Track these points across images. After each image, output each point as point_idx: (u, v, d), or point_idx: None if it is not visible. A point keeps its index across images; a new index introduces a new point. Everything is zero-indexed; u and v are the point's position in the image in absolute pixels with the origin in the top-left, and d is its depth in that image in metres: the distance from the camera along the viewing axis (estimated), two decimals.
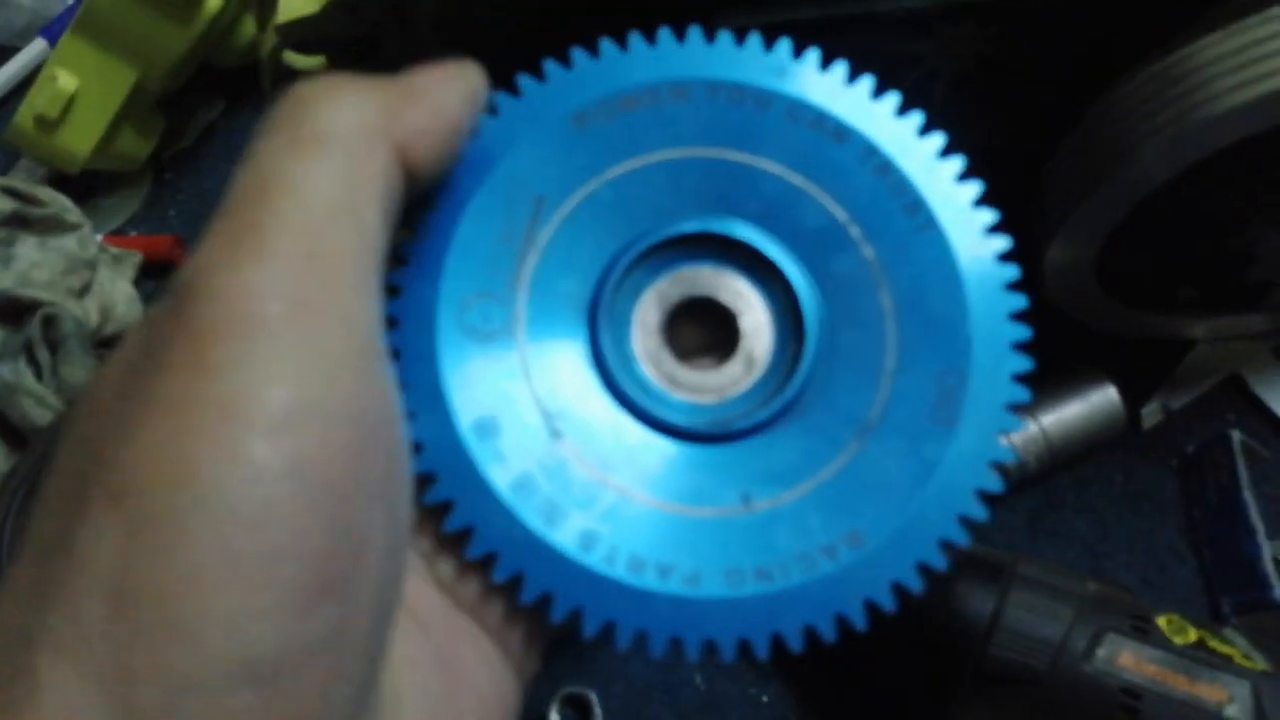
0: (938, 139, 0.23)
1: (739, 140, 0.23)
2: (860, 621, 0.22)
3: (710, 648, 0.22)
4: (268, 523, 0.16)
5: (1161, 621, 0.38)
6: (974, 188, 0.23)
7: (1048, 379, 0.47)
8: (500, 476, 0.22)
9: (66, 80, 0.51)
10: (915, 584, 0.22)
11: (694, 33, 0.24)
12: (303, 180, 0.18)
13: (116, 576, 0.16)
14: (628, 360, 0.24)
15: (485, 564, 0.22)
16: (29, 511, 0.47)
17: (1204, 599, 0.45)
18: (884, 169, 0.23)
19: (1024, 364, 0.23)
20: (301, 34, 0.40)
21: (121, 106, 0.53)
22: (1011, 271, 0.23)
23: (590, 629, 0.22)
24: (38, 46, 0.61)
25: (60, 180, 0.57)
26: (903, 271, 0.23)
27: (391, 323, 0.22)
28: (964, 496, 0.22)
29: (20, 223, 0.50)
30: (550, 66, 0.24)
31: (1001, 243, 0.23)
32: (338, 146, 0.19)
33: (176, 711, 0.15)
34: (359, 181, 0.19)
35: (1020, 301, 0.23)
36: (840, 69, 0.24)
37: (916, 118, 0.24)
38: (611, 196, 0.23)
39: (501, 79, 0.42)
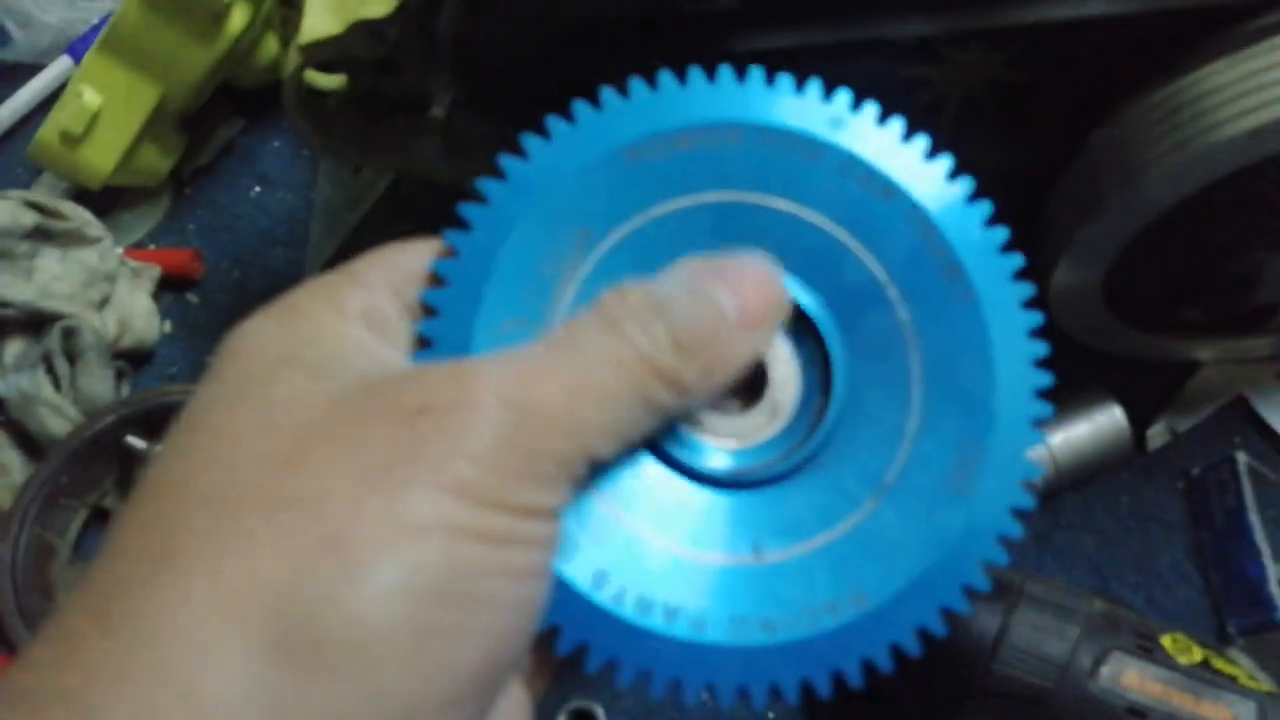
0: (985, 207, 0.23)
1: (787, 188, 0.23)
2: (856, 679, 0.22)
3: (709, 693, 0.22)
4: (464, 615, 0.17)
5: (1166, 641, 0.38)
6: (1016, 259, 0.23)
7: (1055, 400, 0.47)
8: None
9: (91, 97, 0.52)
10: (914, 647, 0.22)
11: (754, 74, 0.24)
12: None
13: (295, 604, 0.16)
14: None
15: None
16: (46, 520, 0.47)
17: (1210, 620, 0.45)
18: (928, 232, 0.23)
19: (1039, 439, 0.23)
20: (324, 55, 0.41)
21: (144, 124, 0.54)
22: (1041, 348, 0.23)
23: (594, 665, 0.22)
24: (63, 64, 0.63)
25: (82, 194, 0.58)
26: (935, 337, 0.23)
27: (423, 343, 0.22)
28: (970, 567, 0.22)
29: (43, 236, 0.51)
30: (607, 96, 0.23)
31: (1036, 318, 0.23)
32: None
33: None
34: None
35: (1046, 380, 0.23)
36: (897, 125, 0.24)
37: (966, 183, 0.23)
38: (655, 234, 0.23)
39: (517, 104, 0.43)
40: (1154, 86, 0.37)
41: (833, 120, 0.23)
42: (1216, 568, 0.45)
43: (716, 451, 0.24)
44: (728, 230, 0.23)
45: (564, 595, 0.22)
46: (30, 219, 0.50)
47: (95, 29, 0.62)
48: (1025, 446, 0.23)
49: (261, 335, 0.21)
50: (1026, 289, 0.23)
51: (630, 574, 0.22)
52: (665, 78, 0.23)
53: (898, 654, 0.22)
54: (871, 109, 0.24)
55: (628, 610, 0.22)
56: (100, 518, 0.52)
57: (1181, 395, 0.49)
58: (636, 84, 0.23)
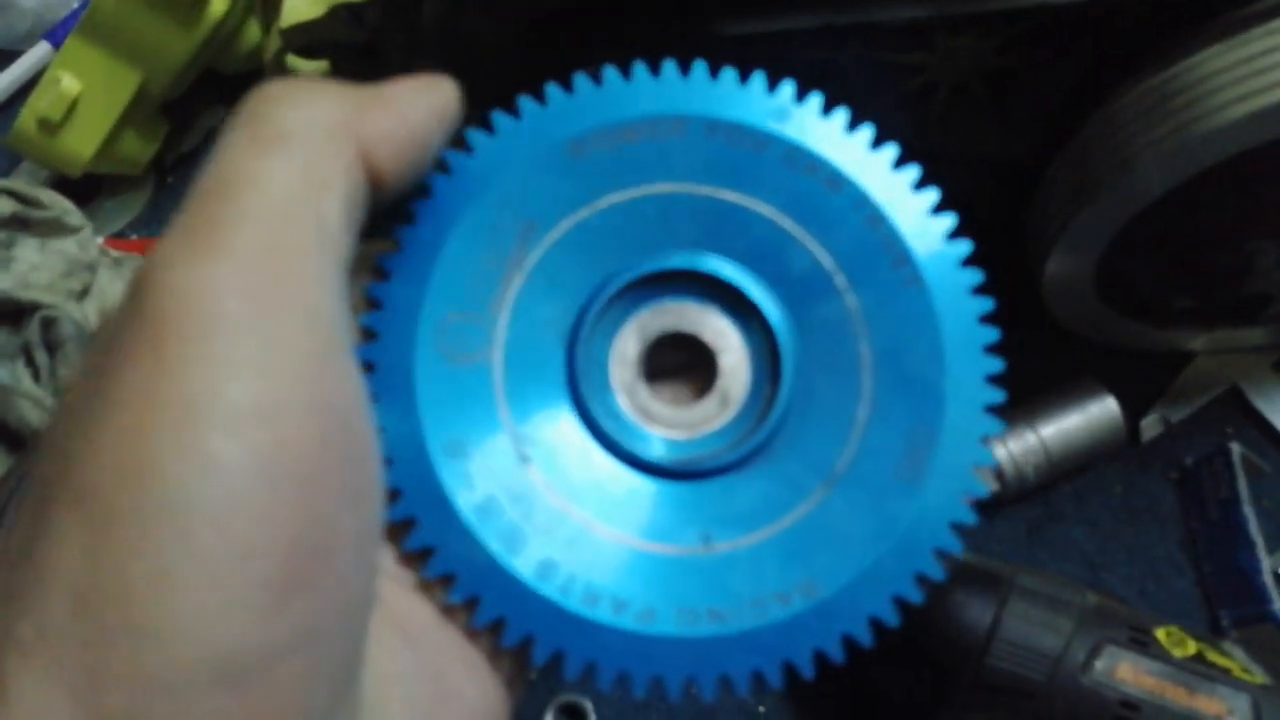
0: (932, 194, 0.23)
1: (733, 180, 0.23)
2: (808, 670, 0.22)
3: (658, 684, 0.22)
4: (232, 519, 0.16)
5: (1160, 634, 0.38)
6: (963, 246, 0.23)
7: (1048, 391, 0.47)
8: (465, 498, 0.22)
9: (70, 83, 0.51)
10: (866, 637, 0.22)
11: (698, 68, 0.24)
12: (263, 176, 0.18)
13: (80, 579, 0.16)
14: (603, 390, 0.24)
15: (443, 584, 0.22)
16: None
17: (1203, 612, 0.45)
18: (875, 220, 0.23)
19: (995, 427, 0.23)
20: (305, 39, 0.41)
21: (125, 110, 0.53)
22: (992, 334, 0.23)
23: (540, 657, 0.22)
24: (41, 50, 0.62)
25: (63, 183, 0.57)
26: (884, 324, 0.23)
27: (369, 335, 0.22)
28: (922, 555, 0.22)
29: (21, 225, 0.50)
30: (552, 90, 0.23)
31: (986, 304, 0.23)
32: (300, 144, 0.18)
33: (147, 714, 0.15)
34: (320, 178, 0.19)
35: (997, 365, 0.23)
36: (841, 116, 0.24)
37: (913, 171, 0.23)
38: (601, 226, 0.23)
39: (500, 89, 0.42)
40: (1147, 72, 0.37)
41: (777, 111, 0.23)
42: (1210, 559, 0.45)
43: (665, 441, 0.24)
44: (674, 221, 0.23)
45: (510, 587, 0.22)
46: (7, 207, 0.49)
47: (74, 14, 0.62)
48: (979, 433, 0.22)
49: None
50: (975, 275, 0.23)
51: (577, 565, 0.22)
52: (609, 72, 0.23)
53: (851, 645, 0.22)
54: (816, 99, 0.24)
55: (575, 601, 0.22)
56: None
57: (1175, 386, 0.48)
58: (580, 78, 0.23)
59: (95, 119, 0.53)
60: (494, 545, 0.22)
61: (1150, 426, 0.48)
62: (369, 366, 0.22)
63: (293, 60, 0.44)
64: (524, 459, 0.23)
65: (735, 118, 0.23)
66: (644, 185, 0.23)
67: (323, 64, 0.45)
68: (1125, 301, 0.44)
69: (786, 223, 0.23)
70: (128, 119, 0.54)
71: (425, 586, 0.22)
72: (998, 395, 0.23)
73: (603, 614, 0.22)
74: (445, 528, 0.22)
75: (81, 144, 0.53)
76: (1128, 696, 0.36)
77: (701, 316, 0.24)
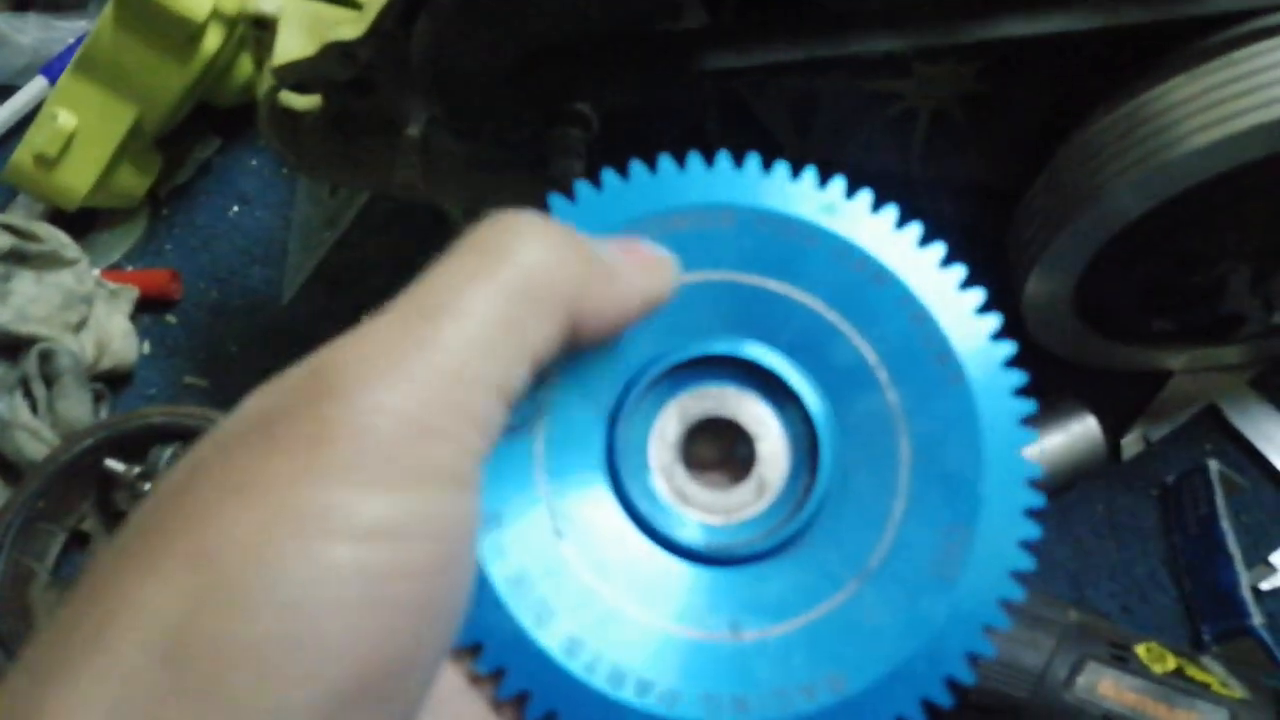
0: (978, 294, 0.23)
1: (781, 270, 0.24)
2: None
3: None
4: (328, 621, 0.16)
5: (1141, 650, 0.39)
6: (1008, 347, 0.23)
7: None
8: (498, 570, 0.22)
9: (66, 119, 0.52)
10: None
11: (751, 160, 0.24)
12: (470, 312, 0.19)
13: (174, 631, 0.16)
14: (641, 471, 0.24)
15: (472, 653, 0.22)
16: (24, 544, 0.47)
17: (1185, 626, 0.45)
18: (920, 317, 0.23)
19: (1033, 531, 0.22)
20: (297, 76, 0.41)
21: (120, 144, 0.54)
22: (1031, 436, 0.23)
23: None
24: (38, 85, 0.63)
25: (58, 216, 0.58)
26: (925, 421, 0.23)
27: None
28: (954, 658, 0.22)
29: (17, 258, 0.51)
30: (608, 176, 0.24)
31: (1028, 406, 0.23)
32: (515, 294, 0.19)
33: None
34: (523, 331, 0.19)
35: (1036, 469, 0.23)
36: (890, 213, 0.24)
37: (959, 270, 0.24)
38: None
39: (496, 119, 0.43)
40: (1118, 101, 0.38)
41: (826, 206, 0.24)
42: (1190, 574, 0.46)
43: (700, 526, 0.24)
44: (720, 309, 0.24)
45: (536, 660, 0.22)
46: (4, 241, 0.50)
47: (70, 49, 0.62)
48: (1016, 536, 0.22)
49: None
50: (1018, 376, 0.23)
51: (605, 644, 0.22)
52: (664, 160, 0.24)
53: None
54: (865, 196, 0.24)
55: (599, 680, 0.22)
56: (79, 541, 0.52)
57: (1155, 405, 0.49)
58: (636, 166, 0.24)
59: (91, 154, 0.54)
60: (523, 618, 0.22)
61: (1131, 445, 0.49)
62: None
63: (286, 95, 0.45)
64: (559, 534, 0.23)
65: (785, 210, 0.24)
66: (693, 272, 0.24)
67: (315, 99, 0.46)
68: (1104, 322, 0.45)
69: (832, 315, 0.24)
70: (123, 153, 0.55)
71: (454, 655, 0.22)
72: (1039, 499, 0.23)
73: (627, 695, 0.22)
74: (476, 596, 0.21)
75: (77, 178, 0.54)
76: (1109, 712, 0.37)
77: (742, 403, 0.24)
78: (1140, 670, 0.38)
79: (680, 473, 0.24)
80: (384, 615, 0.17)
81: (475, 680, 0.22)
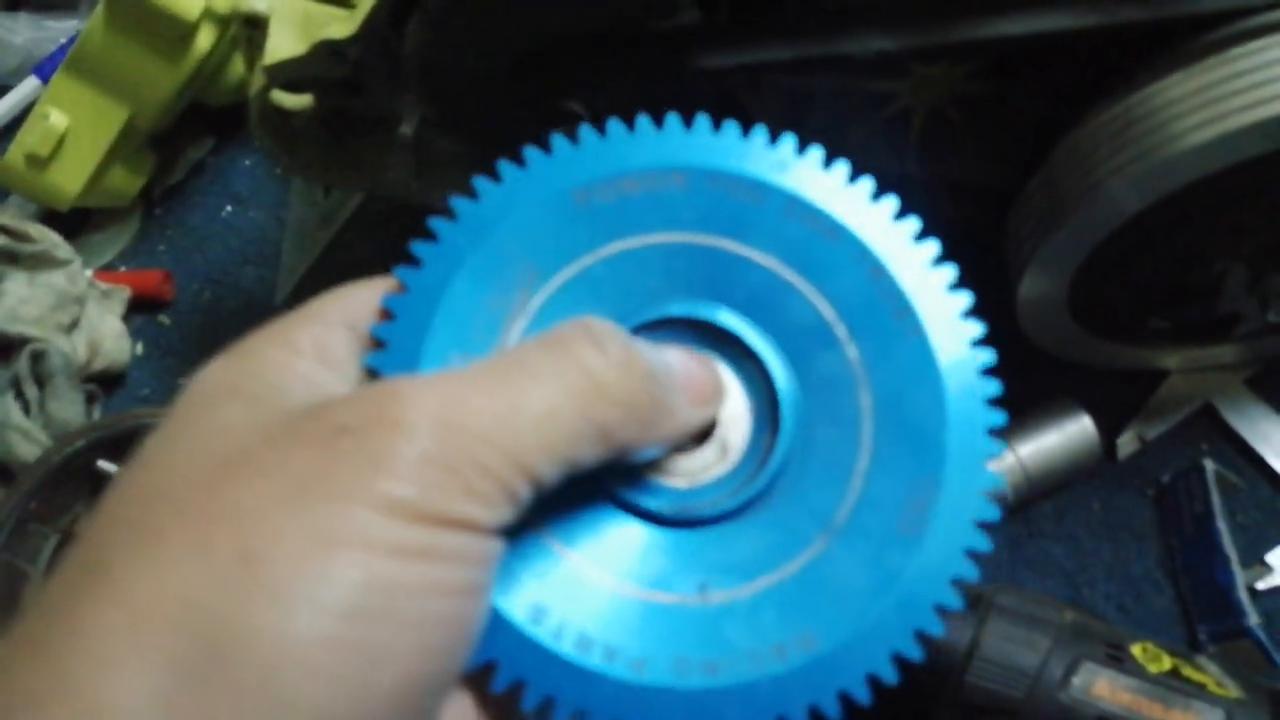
0: (932, 246, 0.24)
1: (734, 230, 0.23)
2: None
3: None
4: (378, 630, 0.17)
5: (1136, 650, 0.38)
6: (964, 298, 0.23)
7: (1024, 411, 0.47)
8: None
9: (58, 118, 0.52)
10: (863, 695, 0.21)
11: (701, 121, 0.24)
12: (537, 399, 0.20)
13: (223, 627, 0.16)
14: None
15: None
16: (15, 547, 0.47)
17: (1182, 626, 0.45)
18: (876, 271, 0.23)
19: (996, 481, 0.22)
20: (288, 75, 0.41)
21: (112, 144, 0.54)
22: (994, 387, 0.23)
23: (530, 702, 0.21)
24: (30, 85, 0.62)
25: (51, 216, 0.58)
26: (885, 375, 0.23)
27: (371, 375, 0.22)
28: (923, 611, 0.22)
29: (10, 259, 0.51)
30: (558, 141, 0.24)
31: (987, 356, 0.23)
32: (579, 405, 0.20)
33: None
34: (574, 442, 0.20)
35: (999, 419, 0.23)
36: (842, 168, 0.24)
37: (913, 223, 0.24)
38: (605, 273, 0.23)
39: (489, 118, 0.43)
40: (1113, 99, 0.38)
41: (778, 163, 0.24)
42: (1186, 574, 0.46)
43: (664, 489, 0.23)
44: (675, 270, 0.24)
45: (501, 629, 0.21)
46: None
47: (62, 49, 0.62)
48: (980, 486, 0.22)
49: (211, 372, 0.21)
50: (976, 327, 0.23)
51: (570, 610, 0.22)
52: (613, 124, 0.24)
53: (847, 701, 0.21)
54: (817, 152, 0.24)
55: (566, 647, 0.22)
56: (71, 542, 0.51)
57: (1150, 404, 0.49)
58: (586, 130, 0.24)
59: (83, 153, 0.53)
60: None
61: (1126, 444, 0.48)
62: None
63: (277, 95, 0.44)
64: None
65: (736, 169, 0.24)
66: (647, 235, 0.23)
67: (306, 98, 0.46)
68: (1099, 322, 0.45)
69: (788, 273, 0.23)
70: (115, 153, 0.55)
71: None
72: (999, 447, 0.23)
73: (594, 661, 0.21)
74: None
75: (69, 178, 0.54)
76: (1105, 712, 0.36)
77: None
78: (1136, 670, 0.37)
79: None
80: (425, 630, 0.18)
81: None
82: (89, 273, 0.55)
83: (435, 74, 0.41)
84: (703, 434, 0.24)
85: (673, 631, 0.22)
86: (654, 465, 0.24)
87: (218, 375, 0.21)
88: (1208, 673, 0.38)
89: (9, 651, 0.17)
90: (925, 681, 0.39)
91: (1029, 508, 0.48)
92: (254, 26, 0.41)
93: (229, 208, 0.61)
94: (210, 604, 0.16)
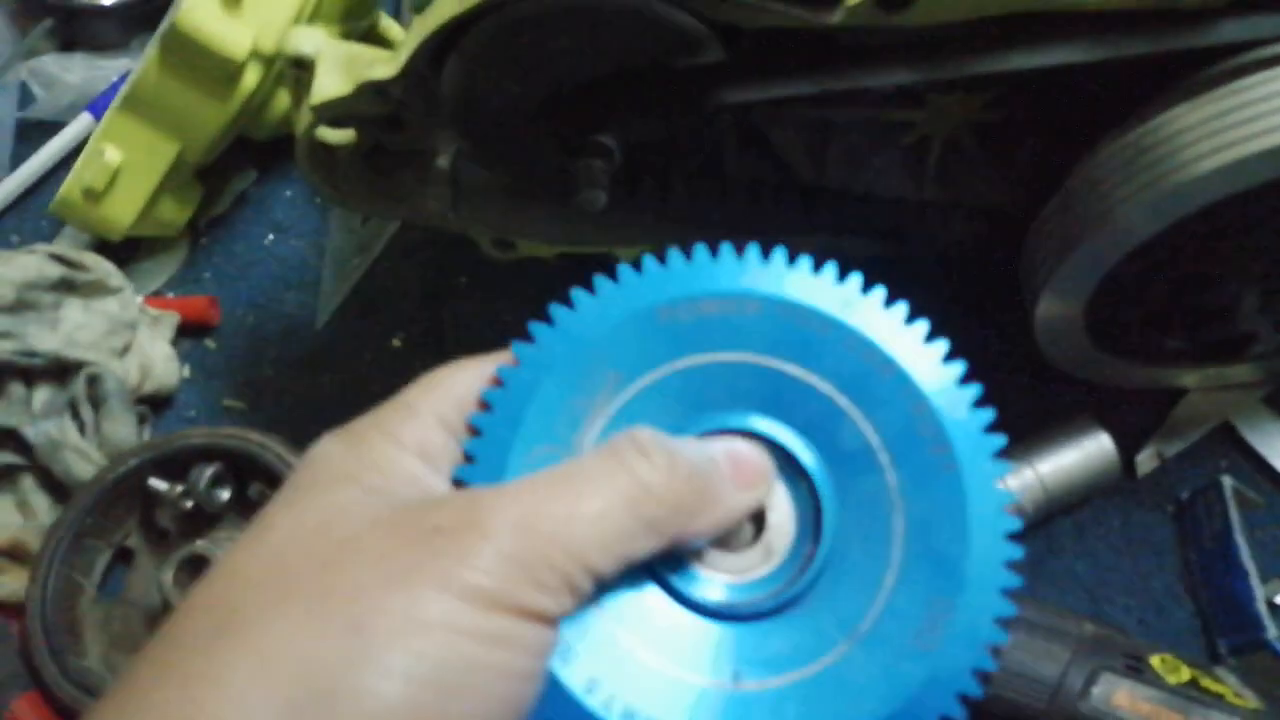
0: (975, 389, 0.26)
1: (798, 356, 0.26)
2: None
3: None
4: (454, 702, 0.20)
5: (1155, 661, 0.39)
6: (999, 440, 0.26)
7: (1044, 429, 0.49)
8: None
9: (113, 155, 0.55)
10: None
11: (778, 253, 0.27)
12: (596, 506, 0.23)
13: (327, 681, 0.20)
14: None
15: None
16: (73, 561, 0.49)
17: (1201, 640, 0.46)
18: (921, 408, 0.26)
19: (1008, 610, 0.25)
20: (333, 113, 0.43)
21: (162, 178, 0.56)
22: (1015, 523, 0.25)
23: None
24: (83, 121, 0.65)
25: (103, 245, 0.61)
26: (919, 502, 0.26)
27: (467, 459, 0.26)
28: (929, 718, 0.24)
29: (67, 287, 0.53)
30: (648, 261, 0.27)
31: (1010, 496, 0.26)
32: (635, 508, 0.23)
33: None
34: (630, 541, 0.23)
35: (1016, 552, 0.25)
36: (900, 310, 0.27)
37: (959, 367, 0.26)
38: (678, 383, 0.26)
39: (522, 152, 0.45)
40: (1124, 128, 0.39)
41: (843, 301, 0.26)
42: (1206, 588, 0.46)
43: (712, 584, 0.26)
44: (742, 387, 0.26)
45: (558, 696, 0.24)
46: (56, 271, 0.52)
47: (114, 87, 0.65)
48: (993, 613, 0.25)
49: (330, 454, 0.25)
50: (1005, 467, 0.26)
51: (620, 685, 0.25)
52: (699, 250, 0.27)
53: None
54: (879, 292, 0.27)
55: (614, 717, 0.24)
56: (123, 557, 0.53)
57: (1169, 422, 0.50)
58: (673, 253, 0.27)
59: (135, 187, 0.56)
60: (550, 658, 0.24)
61: (1145, 461, 0.49)
62: (461, 484, 0.25)
63: (322, 131, 0.47)
64: None
65: (805, 302, 0.26)
66: (719, 352, 0.26)
67: (349, 134, 0.48)
68: (1115, 342, 0.46)
69: (841, 400, 0.26)
70: (165, 185, 0.57)
71: None
72: (1016, 580, 0.25)
73: None
74: None
75: (122, 210, 0.56)
76: None
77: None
78: (1155, 681, 0.38)
79: None
80: (492, 704, 0.21)
81: None
82: (139, 299, 0.58)
83: (471, 111, 0.43)
84: (752, 537, 0.27)
85: (707, 711, 0.25)
86: (707, 561, 0.26)
87: (335, 459, 0.24)
88: (1226, 684, 0.39)
89: (144, 671, 0.21)
90: None
91: (1050, 524, 0.49)
92: (301, 67, 0.44)
93: (271, 236, 0.63)
94: (323, 662, 0.20)
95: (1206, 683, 0.39)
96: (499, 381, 0.26)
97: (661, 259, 0.27)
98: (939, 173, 0.48)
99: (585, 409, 0.26)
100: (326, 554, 0.22)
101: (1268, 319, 0.43)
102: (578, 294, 0.27)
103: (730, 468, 0.25)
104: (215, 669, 0.20)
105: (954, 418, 0.26)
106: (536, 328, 0.27)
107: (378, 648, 0.20)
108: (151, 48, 0.55)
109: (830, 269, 0.27)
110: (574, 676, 0.24)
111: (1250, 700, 0.38)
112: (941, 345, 0.26)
